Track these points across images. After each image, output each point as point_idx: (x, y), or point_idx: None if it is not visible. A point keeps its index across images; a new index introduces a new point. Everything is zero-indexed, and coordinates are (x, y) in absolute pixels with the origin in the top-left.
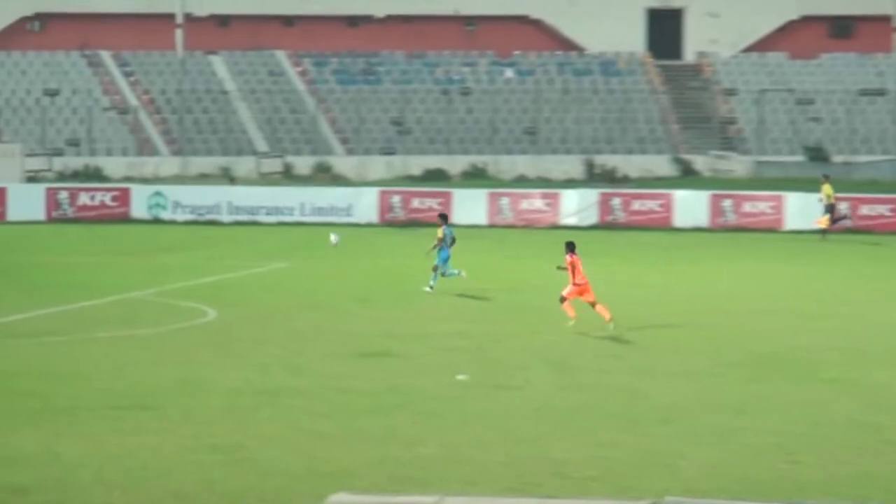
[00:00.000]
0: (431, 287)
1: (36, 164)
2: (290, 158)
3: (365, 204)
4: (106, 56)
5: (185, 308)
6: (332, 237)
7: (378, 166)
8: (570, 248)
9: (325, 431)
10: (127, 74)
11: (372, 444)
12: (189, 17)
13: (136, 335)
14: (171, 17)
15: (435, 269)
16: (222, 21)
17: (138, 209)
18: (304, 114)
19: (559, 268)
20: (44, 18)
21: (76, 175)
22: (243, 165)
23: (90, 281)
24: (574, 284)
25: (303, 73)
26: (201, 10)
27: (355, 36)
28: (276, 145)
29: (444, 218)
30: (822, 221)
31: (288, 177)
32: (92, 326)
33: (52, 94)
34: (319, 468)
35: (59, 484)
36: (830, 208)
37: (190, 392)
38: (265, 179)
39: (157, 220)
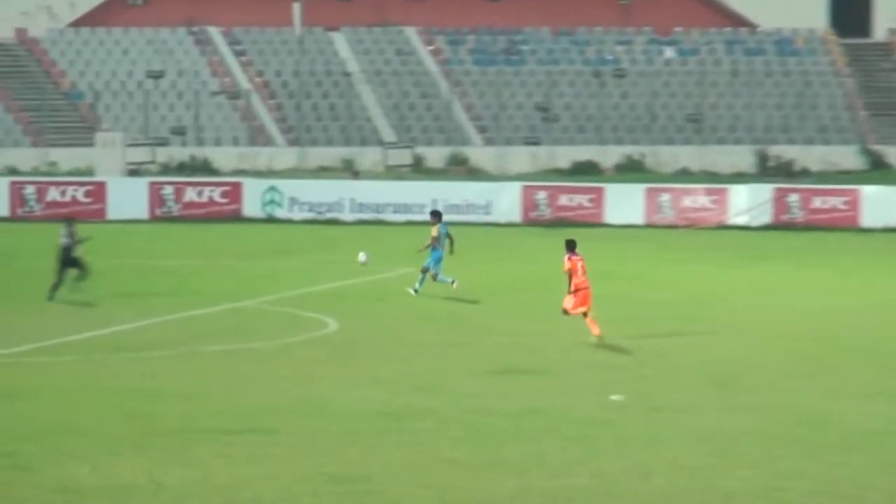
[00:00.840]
0: (416, 290)
1: (138, 155)
2: (420, 149)
3: (506, 201)
4: (215, 33)
5: (304, 318)
6: (361, 256)
7: (520, 158)
8: (571, 247)
9: (460, 459)
10: (238, 54)
11: (515, 473)
12: None
13: (249, 349)
14: None
15: (424, 270)
16: None
17: (251, 206)
18: (437, 98)
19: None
20: None
21: (182, 168)
22: (368, 157)
23: (198, 287)
24: (575, 291)
25: (435, 53)
26: None
27: (496, 10)
28: (404, 134)
29: (436, 215)
30: None
31: (418, 170)
32: (201, 339)
33: (156, 76)
34: (455, 500)
35: None
36: None
37: (309, 414)
38: (392, 173)
39: (271, 219)
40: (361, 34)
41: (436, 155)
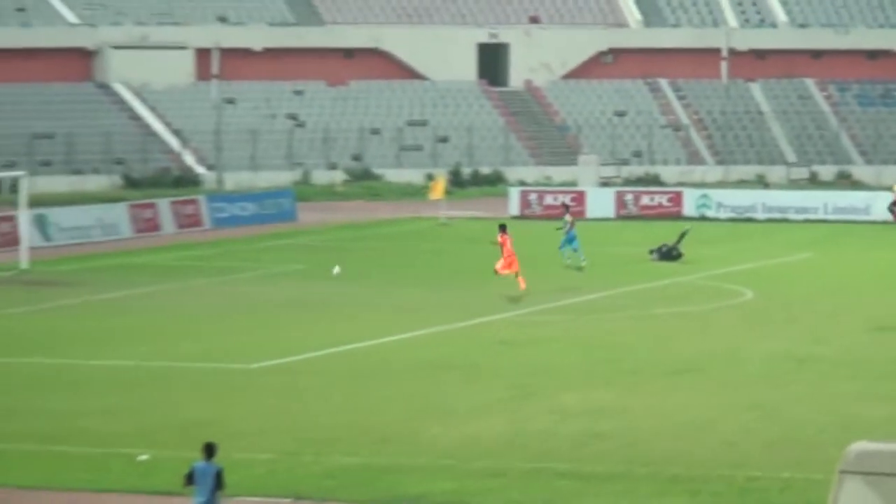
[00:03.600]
0: (583, 260)
1: (608, 171)
2: (815, 167)
3: (880, 206)
4: (664, 83)
5: (727, 290)
6: (336, 269)
7: (893, 174)
8: (502, 228)
9: (847, 391)
10: (680, 98)
11: (888, 402)
12: (732, 51)
13: (685, 312)
14: (717, 51)
15: (574, 251)
16: (760, 54)
17: (688, 208)
18: (828, 131)
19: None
20: (615, 52)
21: (638, 181)
22: (775, 173)
23: (649, 267)
24: (504, 258)
25: (828, 98)
26: (743, 45)
27: (875, 66)
28: (803, 157)
29: (566, 207)
30: None
31: (813, 182)
32: (652, 304)
33: (621, 114)
34: (842, 422)
35: (627, 431)
36: None
37: (730, 359)
38: (794, 184)
39: (703, 218)
40: (772, 84)
41: (827, 172)
